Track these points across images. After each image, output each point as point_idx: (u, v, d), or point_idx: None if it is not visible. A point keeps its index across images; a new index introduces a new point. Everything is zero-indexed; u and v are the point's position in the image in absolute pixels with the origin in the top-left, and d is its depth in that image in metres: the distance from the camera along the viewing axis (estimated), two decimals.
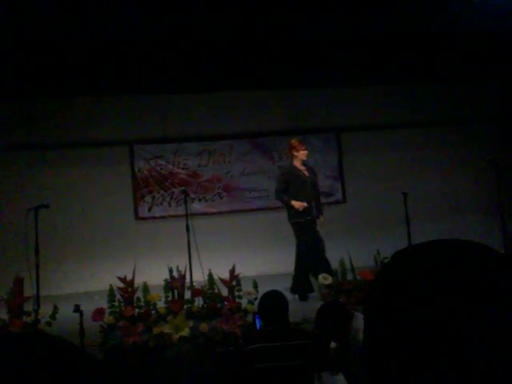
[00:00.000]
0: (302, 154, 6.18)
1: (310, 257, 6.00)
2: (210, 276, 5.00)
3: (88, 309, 4.50)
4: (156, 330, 4.50)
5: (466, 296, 0.58)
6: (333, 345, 3.12)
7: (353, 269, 5.44)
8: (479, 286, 0.58)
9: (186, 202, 6.10)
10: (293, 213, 6.09)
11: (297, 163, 6.21)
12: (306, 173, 6.21)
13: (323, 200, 8.54)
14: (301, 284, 5.98)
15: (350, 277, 5.40)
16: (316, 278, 5.50)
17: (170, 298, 4.87)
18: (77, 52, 6.07)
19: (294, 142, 6.27)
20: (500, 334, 0.56)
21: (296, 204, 5.99)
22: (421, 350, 0.57)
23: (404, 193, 6.18)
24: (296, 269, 6.10)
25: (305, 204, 5.99)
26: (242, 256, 6.92)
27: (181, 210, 7.22)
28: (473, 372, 0.56)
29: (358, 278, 5.32)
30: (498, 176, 6.27)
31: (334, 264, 5.65)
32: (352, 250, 6.07)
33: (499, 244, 6.08)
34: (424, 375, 0.57)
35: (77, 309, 4.20)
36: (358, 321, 3.30)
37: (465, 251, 0.63)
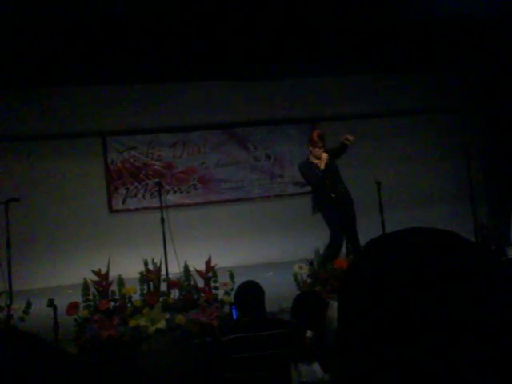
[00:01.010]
0: (322, 155, 5.93)
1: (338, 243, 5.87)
2: (186, 268, 4.99)
3: (62, 303, 4.45)
4: (132, 323, 4.48)
5: (436, 283, 0.59)
6: (309, 333, 3.16)
7: None
8: (450, 274, 0.59)
9: (160, 194, 6.07)
10: (315, 203, 5.98)
11: (312, 158, 6.00)
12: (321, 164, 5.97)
13: (298, 190, 8.59)
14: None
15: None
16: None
17: (145, 291, 4.85)
18: (46, 40, 5.93)
19: (311, 136, 6.09)
20: (471, 320, 0.57)
21: (322, 163, 5.82)
22: (392, 338, 0.58)
23: (377, 182, 6.25)
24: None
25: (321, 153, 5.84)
26: (218, 247, 6.92)
27: (155, 202, 7.16)
28: (442, 358, 0.56)
29: (334, 267, 5.37)
30: (468, 164, 6.40)
31: (310, 253, 5.69)
32: (327, 239, 6.14)
33: (470, 231, 6.21)
34: (395, 362, 0.58)
35: (50, 303, 4.15)
36: (334, 309, 3.33)
37: (435, 239, 0.64)
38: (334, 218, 5.88)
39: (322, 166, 5.91)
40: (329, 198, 5.90)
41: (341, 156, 6.00)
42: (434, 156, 8.78)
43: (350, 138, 5.68)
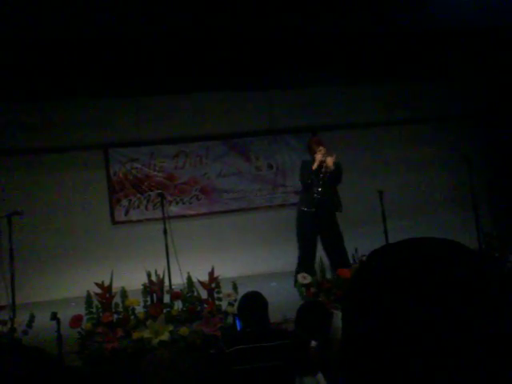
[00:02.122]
0: (316, 156, 6.10)
1: (303, 250, 5.99)
2: (189, 279, 4.98)
3: (65, 316, 4.44)
4: (135, 335, 4.46)
5: (440, 293, 0.59)
6: (313, 344, 3.14)
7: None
8: (453, 283, 0.59)
9: (162, 205, 6.07)
10: (299, 203, 6.23)
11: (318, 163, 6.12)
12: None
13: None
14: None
15: (329, 275, 5.44)
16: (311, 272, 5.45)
17: (148, 303, 4.84)
18: (48, 55, 5.97)
19: (309, 143, 6.37)
20: (477, 330, 0.57)
21: (316, 162, 5.99)
22: (397, 349, 0.58)
23: (380, 191, 6.25)
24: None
25: (320, 151, 5.99)
26: (221, 258, 6.91)
27: (158, 213, 7.17)
28: (450, 368, 0.56)
29: (337, 276, 5.35)
30: (470, 173, 6.39)
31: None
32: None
33: (474, 239, 6.19)
34: (401, 373, 0.58)
35: (54, 316, 4.14)
36: (338, 319, 3.32)
37: (438, 249, 0.64)
38: (306, 232, 6.06)
39: (314, 167, 6.04)
40: (311, 198, 6.01)
41: (337, 176, 6.21)
42: (435, 164, 8.78)
43: (329, 161, 5.98)
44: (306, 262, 5.74)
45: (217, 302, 4.89)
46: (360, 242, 5.77)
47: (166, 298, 4.93)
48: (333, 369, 2.94)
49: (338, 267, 5.45)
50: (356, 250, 5.54)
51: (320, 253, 5.84)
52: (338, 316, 3.40)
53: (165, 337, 4.45)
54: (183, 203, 8.40)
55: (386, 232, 6.09)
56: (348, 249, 5.77)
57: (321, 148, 6.13)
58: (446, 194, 8.69)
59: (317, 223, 6.03)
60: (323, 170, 6.05)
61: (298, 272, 5.56)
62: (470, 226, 6.54)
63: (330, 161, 5.99)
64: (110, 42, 5.93)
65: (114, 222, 8.19)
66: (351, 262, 5.65)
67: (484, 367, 0.56)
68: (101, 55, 6.16)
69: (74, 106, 7.90)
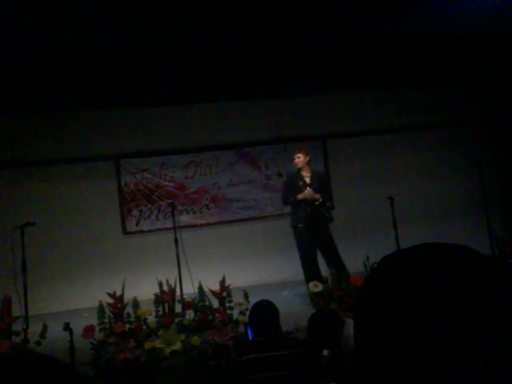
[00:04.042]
0: (294, 162, 6.19)
1: (306, 262, 5.98)
2: (201, 288, 4.99)
3: (78, 326, 4.45)
4: (147, 345, 4.47)
5: (453, 300, 0.58)
6: (325, 352, 3.12)
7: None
8: (465, 289, 0.59)
9: (173, 215, 6.09)
10: (291, 218, 6.15)
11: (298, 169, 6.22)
12: (306, 179, 6.18)
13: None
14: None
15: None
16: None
17: (160, 312, 4.84)
18: (60, 67, 6.05)
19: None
20: (491, 338, 0.56)
21: (301, 196, 5.99)
22: (409, 356, 0.58)
23: (390, 197, 6.23)
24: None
25: (309, 192, 5.98)
26: (232, 267, 6.91)
27: (169, 223, 7.19)
28: (460, 374, 0.56)
29: (349, 284, 5.33)
30: (481, 178, 6.35)
31: (324, 271, 5.66)
32: (342, 256, 6.11)
33: (486, 244, 6.14)
34: (413, 380, 0.57)
35: (66, 327, 4.15)
36: (350, 328, 3.30)
37: (450, 255, 0.64)
38: (304, 243, 6.05)
39: (300, 198, 6.05)
40: (304, 212, 6.01)
41: (323, 188, 6.29)
42: (446, 170, 8.73)
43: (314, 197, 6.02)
44: (312, 278, 5.69)
45: (228, 311, 4.89)
46: (371, 249, 5.75)
47: (178, 308, 4.94)
48: (345, 378, 2.92)
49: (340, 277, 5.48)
50: (367, 257, 5.52)
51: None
52: (350, 324, 3.38)
53: (177, 346, 4.45)
54: (194, 213, 8.42)
55: (397, 239, 6.06)
56: (359, 256, 5.74)
57: (299, 155, 6.20)
58: (457, 200, 8.63)
59: (314, 237, 6.07)
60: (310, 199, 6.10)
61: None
62: (482, 231, 6.48)
63: (313, 195, 6.04)
64: (122, 54, 5.99)
65: (126, 232, 8.23)
66: (362, 269, 5.62)
67: (501, 374, 0.55)
68: (112, 67, 6.23)
69: (85, 117, 7.98)
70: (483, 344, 0.56)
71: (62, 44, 5.54)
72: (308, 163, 6.25)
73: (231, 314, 4.87)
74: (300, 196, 6.01)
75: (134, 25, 5.37)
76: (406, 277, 0.62)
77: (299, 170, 6.22)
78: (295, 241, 6.16)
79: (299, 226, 6.04)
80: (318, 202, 6.02)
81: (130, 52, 5.98)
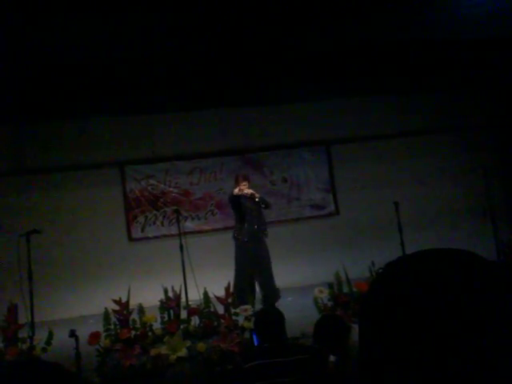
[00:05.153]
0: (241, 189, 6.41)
1: (240, 278, 6.10)
2: (206, 294, 4.98)
3: (84, 333, 4.46)
4: (153, 352, 4.46)
5: (457, 304, 0.58)
6: (332, 358, 3.11)
7: (348, 281, 5.44)
8: (470, 294, 0.59)
9: (178, 221, 6.10)
10: (235, 230, 6.49)
11: (237, 191, 6.40)
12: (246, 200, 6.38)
13: (316, 213, 8.59)
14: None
15: (346, 289, 5.40)
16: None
17: (165, 319, 4.84)
18: (64, 75, 6.09)
19: (236, 176, 6.69)
20: (497, 343, 0.56)
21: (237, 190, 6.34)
22: (414, 360, 0.58)
23: (395, 202, 6.22)
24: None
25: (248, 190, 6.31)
26: None
27: (174, 229, 7.20)
28: (466, 379, 0.56)
29: (354, 289, 5.31)
30: (487, 183, 6.33)
31: (330, 276, 5.64)
32: (347, 262, 6.09)
33: (492, 249, 6.11)
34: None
35: (72, 333, 4.16)
36: (356, 333, 3.28)
37: (455, 260, 0.64)
38: (239, 258, 6.30)
39: (236, 192, 6.39)
40: (247, 228, 6.34)
41: (266, 204, 6.57)
42: (452, 175, 8.71)
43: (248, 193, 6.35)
44: (243, 293, 5.60)
45: (233, 318, 4.88)
46: (376, 254, 5.73)
47: (183, 314, 4.93)
48: (352, 383, 2.91)
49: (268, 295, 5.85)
50: (372, 262, 5.50)
51: (336, 265, 5.78)
52: (356, 330, 3.36)
53: (182, 353, 4.45)
54: (199, 219, 8.43)
55: (402, 243, 6.04)
56: (364, 261, 5.73)
57: (245, 183, 6.43)
58: (463, 205, 8.60)
59: (255, 255, 6.24)
60: (256, 199, 6.35)
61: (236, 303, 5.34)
62: (488, 236, 6.46)
63: (248, 192, 6.33)
64: (125, 63, 6.02)
65: (131, 239, 8.24)
66: (367, 274, 5.60)
67: (506, 374, 0.55)
68: (116, 75, 6.26)
69: (90, 125, 8.02)
70: (488, 351, 0.56)
71: (67, 54, 5.58)
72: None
73: (236, 321, 4.86)
74: (235, 190, 6.31)
75: (139, 32, 5.40)
76: (412, 282, 0.62)
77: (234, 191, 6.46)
78: (234, 253, 6.32)
79: (244, 240, 6.23)
80: (257, 199, 6.32)
81: (134, 59, 6.01)
